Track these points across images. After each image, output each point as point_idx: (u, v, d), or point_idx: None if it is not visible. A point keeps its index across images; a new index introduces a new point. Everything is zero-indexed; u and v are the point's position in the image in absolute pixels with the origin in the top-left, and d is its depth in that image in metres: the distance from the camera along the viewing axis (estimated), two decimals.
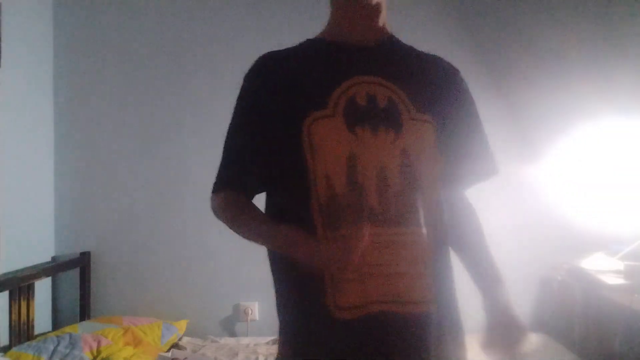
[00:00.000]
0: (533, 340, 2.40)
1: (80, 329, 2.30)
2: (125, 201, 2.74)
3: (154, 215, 2.73)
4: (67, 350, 2.08)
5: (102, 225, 2.74)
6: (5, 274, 2.21)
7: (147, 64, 2.77)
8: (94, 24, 2.77)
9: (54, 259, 2.68)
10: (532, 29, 2.74)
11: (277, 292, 0.98)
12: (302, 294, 0.92)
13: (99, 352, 2.14)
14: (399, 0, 2.64)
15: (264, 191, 1.01)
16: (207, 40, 2.76)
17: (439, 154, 0.96)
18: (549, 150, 2.63)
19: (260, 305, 2.69)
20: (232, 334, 2.72)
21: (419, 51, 1.07)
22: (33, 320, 2.30)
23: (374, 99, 0.93)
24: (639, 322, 1.91)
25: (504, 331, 0.97)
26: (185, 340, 2.52)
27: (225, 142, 1.01)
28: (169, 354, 2.28)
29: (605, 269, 2.24)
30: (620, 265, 2.19)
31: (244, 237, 0.98)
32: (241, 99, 1.01)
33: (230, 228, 0.99)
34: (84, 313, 2.64)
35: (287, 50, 1.03)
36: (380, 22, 1.02)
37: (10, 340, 2.15)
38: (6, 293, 2.16)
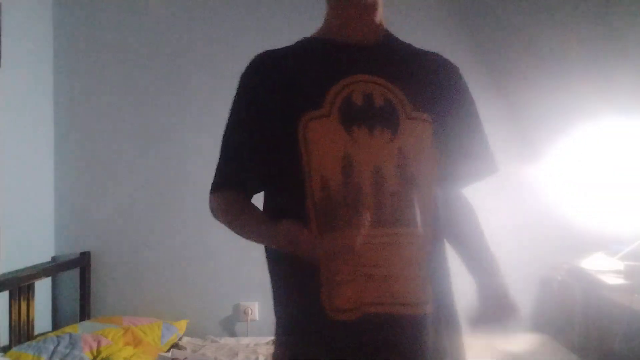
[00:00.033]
0: (533, 340, 2.41)
1: (80, 329, 2.30)
2: (125, 201, 2.74)
3: (154, 215, 2.73)
4: (67, 350, 2.08)
5: (102, 225, 2.74)
6: (5, 274, 2.21)
7: (147, 64, 2.77)
8: (94, 24, 2.77)
9: (54, 259, 2.68)
10: (532, 29, 2.73)
11: (274, 293, 0.98)
12: (298, 295, 0.91)
13: (99, 352, 2.14)
14: (399, 0, 2.66)
15: (262, 190, 1.01)
16: (207, 40, 2.76)
17: (436, 153, 0.95)
18: (549, 150, 2.62)
19: (260, 305, 2.69)
20: (232, 334, 2.72)
21: (416, 48, 1.06)
22: (33, 320, 2.30)
23: (370, 98, 0.92)
24: (639, 322, 1.91)
25: (493, 307, 0.96)
26: (185, 340, 2.52)
27: (223, 141, 1.01)
28: (169, 354, 2.28)
29: (605, 269, 2.24)
30: (620, 265, 2.19)
31: (244, 237, 0.98)
32: (238, 98, 1.01)
33: (230, 228, 0.99)
34: (84, 313, 2.64)
35: (284, 49, 1.03)
36: (377, 20, 1.01)
37: (10, 340, 2.15)
38: (6, 293, 2.16)
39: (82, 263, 2.66)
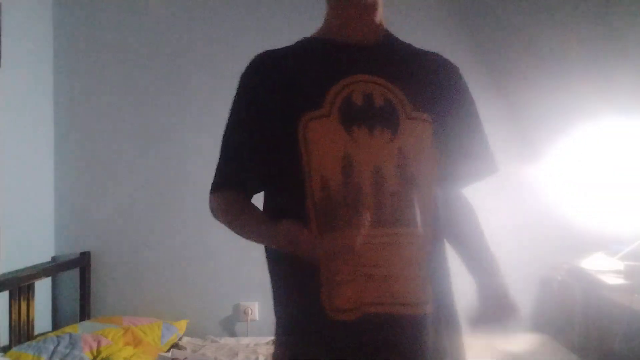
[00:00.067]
0: (533, 340, 2.41)
1: (80, 329, 2.30)
2: (125, 201, 2.74)
3: (154, 215, 2.73)
4: (67, 350, 2.08)
5: (102, 225, 2.74)
6: (5, 274, 2.21)
7: (147, 64, 2.77)
8: (94, 24, 2.77)
9: (54, 259, 2.68)
10: (532, 29, 2.73)
11: (274, 293, 0.98)
12: (298, 295, 0.91)
13: (99, 352, 2.14)
14: (399, 0, 2.66)
15: (262, 190, 1.01)
16: (207, 40, 2.76)
17: (436, 153, 0.95)
18: (549, 150, 2.62)
19: (260, 305, 2.69)
20: (232, 334, 2.72)
21: (416, 48, 1.06)
22: (33, 320, 2.30)
23: (370, 98, 0.92)
24: (639, 322, 1.91)
25: (493, 307, 0.96)
26: (185, 340, 2.52)
27: (223, 141, 1.01)
28: (169, 354, 2.28)
29: (605, 269, 2.24)
30: (620, 265, 2.19)
31: (244, 237, 0.97)
32: (238, 98, 1.01)
33: (230, 228, 0.99)
34: (84, 313, 2.64)
35: (283, 49, 1.03)
36: (377, 20, 1.01)
37: (10, 340, 2.15)
38: (6, 293, 2.16)
39: (82, 263, 2.66)
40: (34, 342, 2.13)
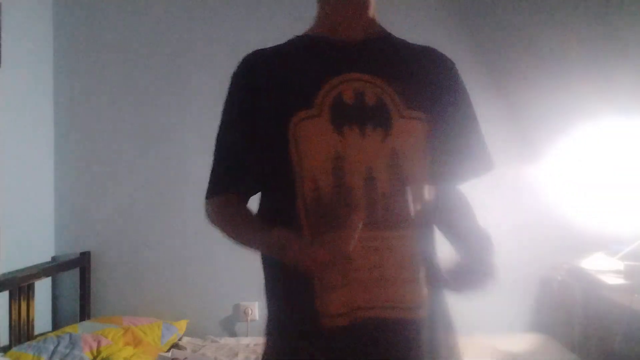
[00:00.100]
0: (533, 340, 2.41)
1: (80, 329, 2.30)
2: (125, 201, 2.74)
3: (154, 215, 2.73)
4: (67, 350, 2.08)
5: (102, 225, 2.74)
6: (5, 274, 2.21)
7: (147, 64, 2.77)
8: (94, 24, 2.77)
9: (54, 259, 2.68)
10: (532, 29, 2.74)
11: (267, 296, 0.97)
12: (291, 300, 0.90)
13: (99, 352, 2.14)
14: (399, 0, 2.66)
15: (258, 192, 0.99)
16: (207, 40, 2.76)
17: (430, 151, 0.93)
18: (549, 150, 2.63)
19: (260, 305, 2.69)
20: (232, 334, 2.72)
21: (410, 44, 1.02)
22: (33, 320, 2.30)
23: (362, 96, 0.90)
24: (639, 322, 1.91)
25: (471, 266, 0.87)
26: (185, 340, 2.52)
27: (216, 145, 0.99)
28: (169, 354, 2.28)
29: (605, 269, 2.24)
30: (620, 265, 2.19)
31: (239, 244, 0.96)
32: (229, 99, 1.00)
33: (225, 235, 0.97)
34: (84, 313, 2.64)
35: (274, 48, 1.01)
36: (369, 17, 0.99)
37: (10, 340, 2.15)
38: (6, 293, 2.16)
39: (82, 263, 2.66)
40: (34, 342, 2.13)
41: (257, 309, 2.70)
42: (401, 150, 0.89)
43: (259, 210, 0.99)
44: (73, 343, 2.13)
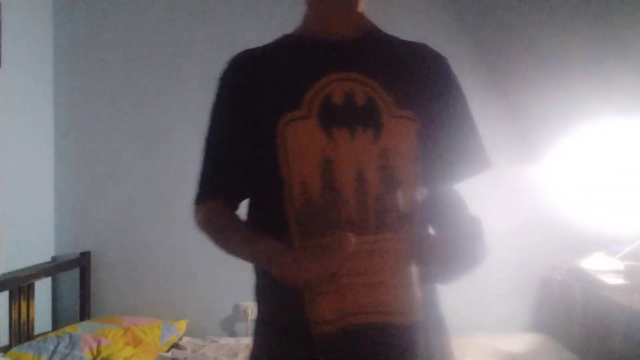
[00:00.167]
0: (533, 340, 2.41)
1: (80, 329, 2.30)
2: (125, 201, 2.74)
3: (154, 215, 2.73)
4: (67, 350, 2.08)
5: (102, 225, 2.74)
6: (5, 274, 2.21)
7: (147, 64, 2.77)
8: (94, 24, 2.77)
9: (54, 259, 2.68)
10: (532, 29, 2.74)
11: (257, 300, 0.95)
12: (280, 307, 0.88)
13: (99, 352, 2.14)
14: (398, 0, 2.66)
15: (247, 197, 0.97)
16: (207, 40, 2.76)
17: (423, 151, 0.89)
18: (549, 150, 2.63)
19: None
20: (232, 334, 2.72)
21: (402, 41, 0.99)
22: (33, 320, 2.30)
23: (352, 97, 0.87)
24: (639, 322, 1.91)
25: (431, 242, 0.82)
26: (185, 340, 2.52)
27: (204, 148, 0.98)
28: (169, 354, 2.28)
29: (605, 269, 2.24)
30: (620, 265, 2.19)
31: (227, 252, 0.94)
32: (217, 100, 0.98)
33: (214, 244, 0.95)
34: (84, 313, 2.64)
35: (262, 48, 0.99)
36: (358, 14, 0.96)
37: (10, 340, 2.15)
38: (6, 293, 2.16)
39: (82, 263, 2.66)
40: (34, 342, 2.13)
41: (257, 309, 2.69)
42: (393, 151, 0.86)
43: (248, 216, 0.96)
44: (73, 343, 2.13)
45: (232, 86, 0.97)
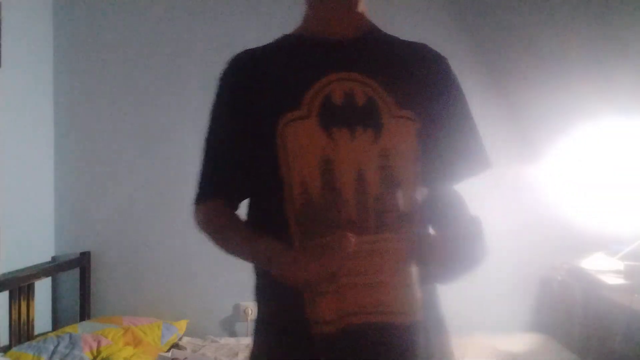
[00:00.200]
0: (533, 340, 2.41)
1: (80, 329, 2.30)
2: (125, 201, 2.74)
3: (154, 216, 2.73)
4: (67, 350, 2.08)
5: (102, 225, 2.74)
6: (5, 274, 2.21)
7: (148, 64, 2.77)
8: (94, 24, 2.77)
9: (54, 259, 2.68)
10: (532, 29, 2.74)
11: (257, 300, 0.95)
12: (280, 306, 0.88)
13: (99, 352, 2.14)
14: (398, 0, 2.66)
15: (247, 197, 0.97)
16: (207, 40, 2.76)
17: (422, 152, 0.89)
18: (549, 150, 2.63)
19: None
20: (232, 334, 2.72)
21: (402, 41, 1.00)
22: (33, 320, 2.30)
23: (351, 96, 0.87)
24: (639, 322, 1.91)
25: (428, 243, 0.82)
26: (185, 340, 2.52)
27: (204, 148, 0.98)
28: (169, 354, 2.28)
29: (605, 269, 2.24)
30: (620, 265, 2.19)
31: (228, 253, 0.94)
32: (217, 101, 0.98)
33: (214, 244, 0.96)
34: (84, 313, 2.64)
35: (262, 48, 0.99)
36: (358, 14, 0.96)
37: (10, 340, 2.15)
38: (6, 293, 2.16)
39: (82, 263, 2.66)
40: (34, 342, 2.13)
41: (257, 309, 2.69)
42: (393, 151, 0.86)
43: (248, 216, 0.96)
44: (73, 343, 2.13)
45: (232, 86, 0.97)
